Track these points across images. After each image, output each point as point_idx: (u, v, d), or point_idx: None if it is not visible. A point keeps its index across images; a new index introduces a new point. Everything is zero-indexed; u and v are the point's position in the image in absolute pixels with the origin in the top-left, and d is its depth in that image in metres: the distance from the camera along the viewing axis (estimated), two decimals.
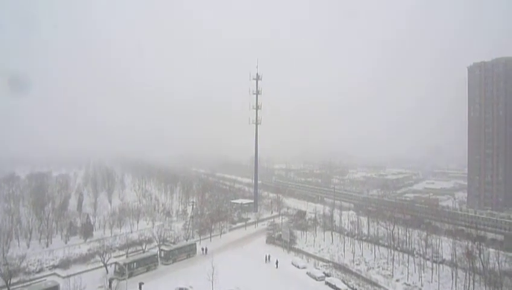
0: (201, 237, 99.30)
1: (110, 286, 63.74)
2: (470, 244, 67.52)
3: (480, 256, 63.43)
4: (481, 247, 65.25)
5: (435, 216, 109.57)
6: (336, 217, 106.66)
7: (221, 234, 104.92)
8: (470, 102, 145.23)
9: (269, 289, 64.36)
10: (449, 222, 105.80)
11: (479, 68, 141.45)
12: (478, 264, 63.55)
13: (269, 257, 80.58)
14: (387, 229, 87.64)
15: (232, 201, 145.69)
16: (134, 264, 72.60)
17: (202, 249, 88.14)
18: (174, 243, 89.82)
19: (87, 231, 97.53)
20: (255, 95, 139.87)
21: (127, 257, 78.07)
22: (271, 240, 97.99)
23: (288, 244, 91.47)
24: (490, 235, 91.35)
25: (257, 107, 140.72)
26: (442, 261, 73.39)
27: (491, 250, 68.55)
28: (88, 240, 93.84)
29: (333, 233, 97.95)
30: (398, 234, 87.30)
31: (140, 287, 64.51)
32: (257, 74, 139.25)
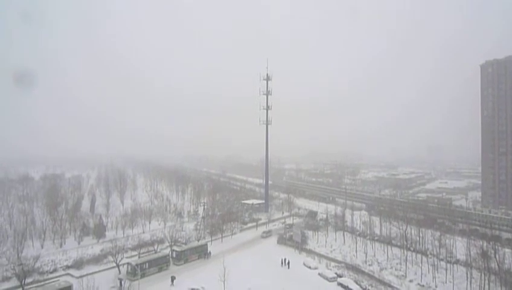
0: (213, 238, 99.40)
1: (120, 285, 64.13)
2: (485, 244, 66.50)
3: (495, 256, 62.35)
4: (496, 247, 64.19)
5: (448, 216, 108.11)
6: (348, 217, 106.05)
7: (232, 234, 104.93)
8: (482, 100, 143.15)
9: None
10: (463, 221, 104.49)
11: (492, 66, 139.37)
12: (493, 265, 62.47)
13: (285, 260, 78.84)
14: (399, 229, 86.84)
15: (243, 202, 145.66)
16: (146, 264, 72.90)
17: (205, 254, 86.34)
18: (185, 243, 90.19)
19: (99, 231, 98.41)
20: (265, 96, 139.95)
21: (139, 257, 78.46)
22: (282, 241, 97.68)
23: (300, 245, 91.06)
24: (505, 235, 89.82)
25: (267, 108, 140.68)
26: (457, 262, 72.45)
27: (507, 250, 67.46)
28: (101, 240, 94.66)
29: (345, 233, 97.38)
30: (411, 234, 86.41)
31: (172, 281, 66.64)
32: (267, 74, 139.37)
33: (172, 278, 67.44)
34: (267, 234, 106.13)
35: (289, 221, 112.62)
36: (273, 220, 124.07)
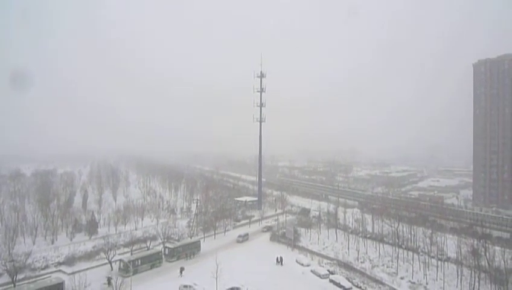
0: (206, 235, 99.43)
1: (109, 283, 63.40)
2: (476, 242, 67.25)
3: (485, 254, 63.15)
4: (486, 245, 64.95)
5: (439, 214, 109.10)
6: (340, 214, 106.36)
7: (225, 231, 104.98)
8: (475, 99, 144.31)
9: (274, 287, 64.20)
10: (454, 219, 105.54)
11: (484, 65, 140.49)
12: (483, 262, 63.32)
13: (280, 258, 78.42)
14: (391, 227, 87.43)
15: (236, 199, 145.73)
16: (139, 261, 72.75)
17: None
18: (178, 240, 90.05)
19: (92, 228, 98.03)
20: (259, 93, 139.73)
21: (131, 254, 78.33)
22: (275, 238, 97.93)
23: (293, 242, 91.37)
24: (496, 233, 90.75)
25: (261, 105, 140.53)
26: (447, 259, 73.10)
27: (497, 248, 68.06)
28: (93, 237, 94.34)
29: (337, 231, 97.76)
30: (403, 231, 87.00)
31: (181, 272, 69.31)
32: (261, 71, 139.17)
33: (181, 269, 70.02)
34: (243, 238, 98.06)
35: (281, 218, 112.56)
36: (266, 217, 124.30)
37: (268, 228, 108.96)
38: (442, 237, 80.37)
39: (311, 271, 73.08)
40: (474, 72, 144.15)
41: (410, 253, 78.08)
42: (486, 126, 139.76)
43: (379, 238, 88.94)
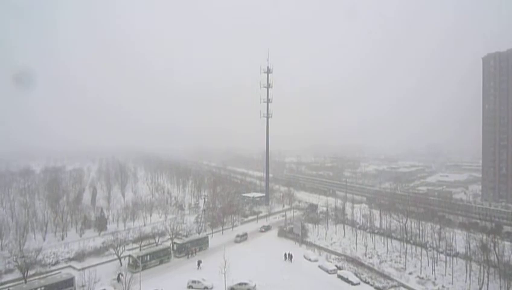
0: (213, 230, 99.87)
1: (118, 280, 63.77)
2: (485, 237, 66.73)
3: (494, 249, 62.61)
4: (496, 240, 64.41)
5: (448, 209, 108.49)
6: (348, 210, 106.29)
7: (233, 227, 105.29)
8: (484, 93, 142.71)
9: (281, 282, 64.37)
10: (463, 214, 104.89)
11: (494, 59, 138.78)
12: (493, 257, 62.74)
13: (288, 254, 78.04)
14: (399, 222, 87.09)
15: (244, 195, 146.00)
16: (148, 257, 73.42)
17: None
18: (186, 236, 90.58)
19: (101, 224, 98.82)
20: (265, 88, 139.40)
21: (140, 249, 78.94)
22: (283, 233, 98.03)
23: (300, 238, 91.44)
24: (505, 228, 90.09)
25: (268, 101, 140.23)
26: (456, 255, 72.68)
27: (506, 243, 67.67)
28: (102, 233, 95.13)
29: (345, 226, 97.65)
30: (411, 227, 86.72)
31: (198, 264, 71.26)
32: (268, 67, 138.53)
33: (199, 262, 71.90)
34: (241, 238, 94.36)
35: (289, 214, 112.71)
36: (274, 213, 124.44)
37: (266, 228, 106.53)
38: (451, 232, 79.68)
39: (319, 266, 73.15)
40: (483, 66, 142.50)
41: (419, 248, 77.66)
42: (495, 120, 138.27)
43: (387, 234, 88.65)
